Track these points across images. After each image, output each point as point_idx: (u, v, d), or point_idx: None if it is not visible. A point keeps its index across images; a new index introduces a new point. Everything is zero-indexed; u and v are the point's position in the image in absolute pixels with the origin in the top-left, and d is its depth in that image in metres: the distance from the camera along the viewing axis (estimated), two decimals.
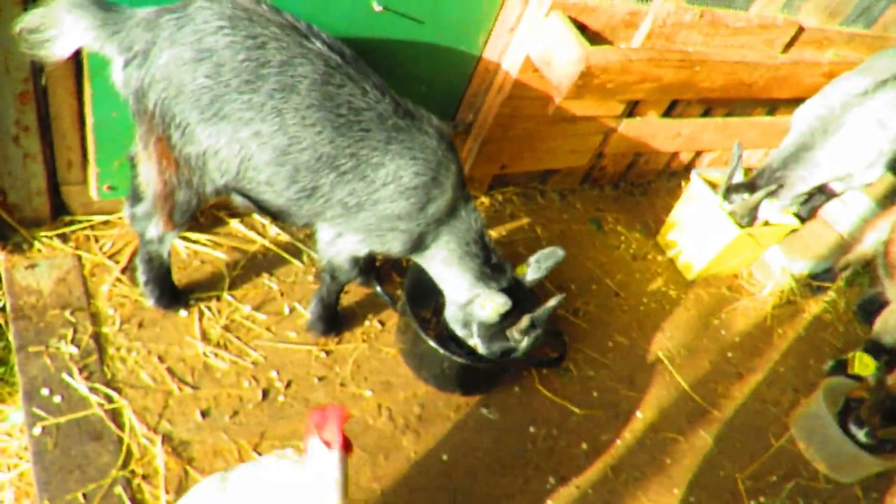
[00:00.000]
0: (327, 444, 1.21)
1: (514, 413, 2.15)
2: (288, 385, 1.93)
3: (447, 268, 1.93)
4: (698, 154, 3.41)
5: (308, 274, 2.23)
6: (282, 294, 2.15)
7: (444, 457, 1.95)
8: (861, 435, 2.25)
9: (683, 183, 3.33)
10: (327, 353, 2.06)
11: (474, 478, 1.94)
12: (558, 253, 1.98)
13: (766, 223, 2.79)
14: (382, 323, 2.21)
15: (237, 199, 1.75)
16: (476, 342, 1.98)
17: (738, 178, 2.74)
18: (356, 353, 2.09)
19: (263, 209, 1.75)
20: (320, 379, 1.98)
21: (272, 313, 2.08)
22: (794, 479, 2.34)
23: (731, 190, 2.73)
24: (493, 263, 1.93)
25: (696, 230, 2.84)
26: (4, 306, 1.80)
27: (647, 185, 3.34)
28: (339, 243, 1.82)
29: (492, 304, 1.85)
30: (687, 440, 2.31)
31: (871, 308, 2.93)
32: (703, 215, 2.79)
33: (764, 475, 2.32)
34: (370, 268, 2.20)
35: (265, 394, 1.88)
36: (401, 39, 2.05)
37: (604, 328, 2.55)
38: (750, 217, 2.70)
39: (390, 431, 1.95)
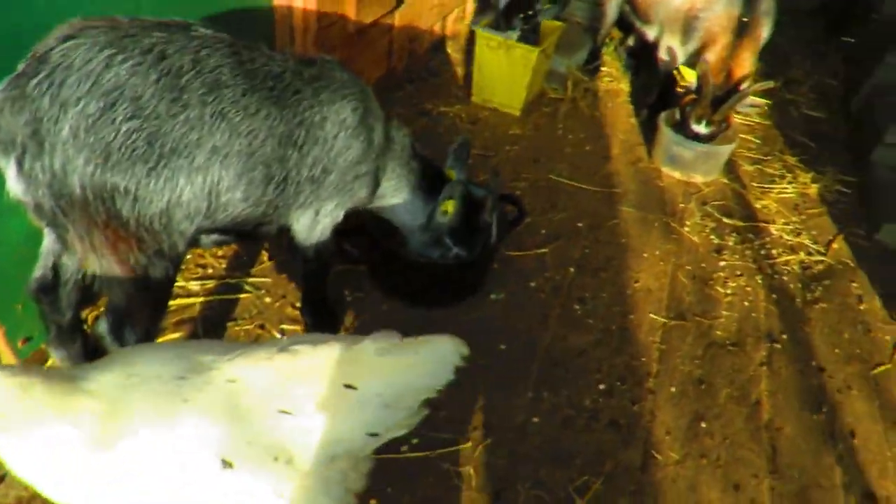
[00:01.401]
0: None
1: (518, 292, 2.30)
2: None
3: (400, 196, 1.93)
4: (462, 17, 3.64)
5: (261, 298, 2.04)
6: (262, 327, 1.95)
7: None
8: (703, 128, 2.81)
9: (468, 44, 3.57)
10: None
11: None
12: (464, 140, 2.09)
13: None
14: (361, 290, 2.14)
15: (207, 240, 1.52)
16: (457, 250, 2.04)
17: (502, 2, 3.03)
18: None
19: (240, 233, 1.55)
20: None
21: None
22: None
23: (508, 17, 3.01)
24: (432, 171, 1.98)
25: (502, 70, 3.11)
26: None
27: (426, 66, 3.51)
28: (320, 220, 1.70)
29: (450, 200, 1.91)
30: (615, 219, 2.68)
31: (632, 52, 3.55)
32: (501, 54, 3.05)
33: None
34: None
35: None
36: (186, 11, 1.84)
37: (509, 185, 2.75)
38: (536, 33, 3.03)
39: None
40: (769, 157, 3.24)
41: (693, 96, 2.84)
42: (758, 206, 2.89)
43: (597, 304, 2.27)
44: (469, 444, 1.76)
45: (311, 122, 1.54)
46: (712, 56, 2.73)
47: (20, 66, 1.19)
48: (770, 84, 2.90)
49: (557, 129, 3.20)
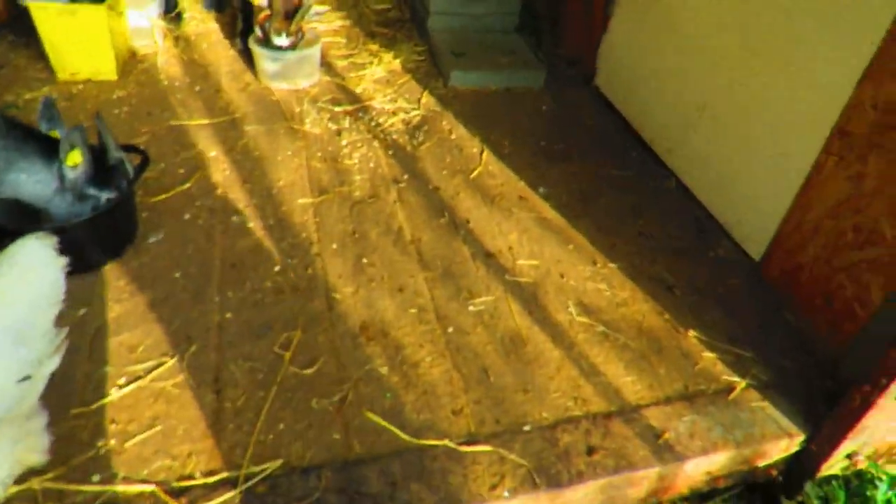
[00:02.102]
0: None
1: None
2: None
3: (15, 170, 1.90)
4: None
5: None
6: None
7: None
8: (283, 40, 3.16)
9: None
10: None
11: None
12: (46, 99, 2.09)
13: None
14: None
15: None
16: (106, 194, 2.08)
17: None
18: None
19: None
20: None
21: None
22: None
23: None
24: (38, 137, 1.97)
25: (76, 38, 3.01)
26: None
27: None
28: None
29: (73, 150, 1.96)
30: (244, 139, 2.93)
31: None
32: (68, 21, 2.95)
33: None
34: None
35: None
36: None
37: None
38: None
39: None
40: (356, 51, 3.75)
41: (267, 13, 3.14)
42: (358, 90, 3.38)
43: (252, 210, 2.52)
44: (174, 358, 1.92)
45: None
46: None
47: None
48: None
49: (162, 81, 3.25)
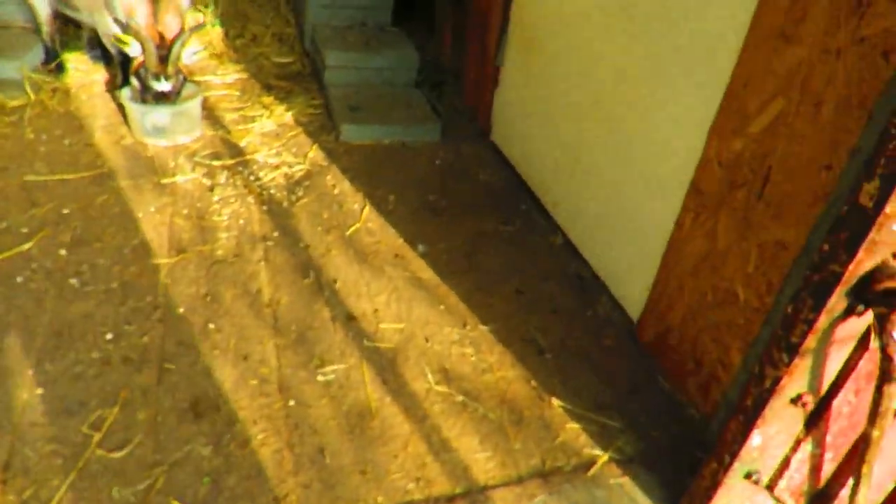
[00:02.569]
0: None
1: None
2: None
3: None
4: None
5: None
6: None
7: None
8: (163, 84, 3.02)
9: None
10: None
11: None
12: None
13: None
14: None
15: None
16: None
17: None
18: None
19: None
20: None
21: None
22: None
23: None
24: None
25: None
26: None
27: None
28: None
29: None
30: (106, 194, 2.75)
31: (93, 43, 3.57)
32: None
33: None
34: None
35: None
36: None
37: None
38: None
39: None
40: (249, 104, 3.64)
41: (141, 60, 3.01)
42: (242, 144, 3.25)
43: (95, 272, 2.32)
44: None
45: None
46: (140, 20, 2.91)
47: None
48: (200, 21, 3.26)
49: (27, 135, 3.06)
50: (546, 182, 3.03)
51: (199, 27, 3.21)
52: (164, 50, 2.96)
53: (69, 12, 3.26)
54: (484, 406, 2.03)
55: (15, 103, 3.26)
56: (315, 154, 3.27)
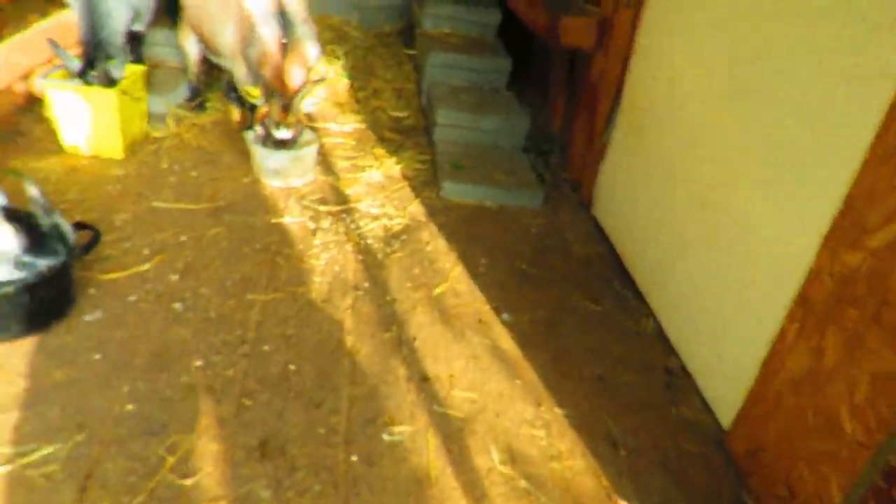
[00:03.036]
0: None
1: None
2: None
3: None
4: (28, 76, 3.59)
5: None
6: None
7: None
8: (284, 133, 3.24)
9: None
10: None
11: None
12: None
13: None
14: None
15: None
16: (43, 261, 2.10)
17: (75, 65, 3.14)
18: None
19: None
20: None
21: None
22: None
23: (82, 75, 3.13)
24: None
25: (86, 118, 3.19)
26: None
27: (13, 127, 3.42)
28: None
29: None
30: (220, 227, 2.95)
31: (231, 87, 3.90)
32: (80, 103, 3.14)
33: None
34: None
35: None
36: None
37: (100, 218, 2.83)
38: (107, 80, 3.18)
39: None
40: (361, 153, 3.82)
41: (265, 110, 3.25)
42: (349, 192, 3.41)
43: (197, 301, 2.48)
44: (55, 446, 1.83)
45: None
46: (266, 75, 3.17)
47: None
48: (322, 78, 3.47)
49: (162, 164, 3.37)
50: (644, 264, 2.94)
51: (320, 81, 3.43)
52: (287, 100, 3.19)
53: (213, 57, 3.59)
54: (547, 496, 1.94)
55: (157, 134, 3.61)
56: (416, 208, 3.36)
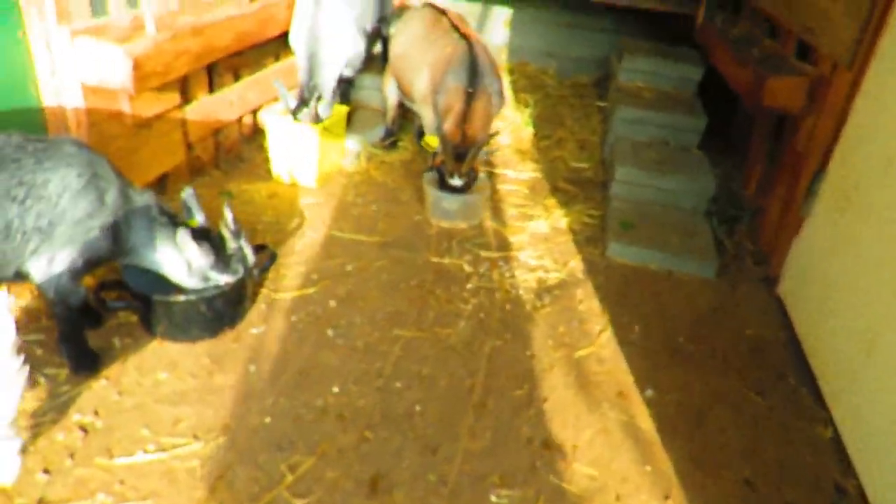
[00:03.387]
0: None
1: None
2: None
3: (154, 248, 2.30)
4: (255, 111, 4.18)
5: (32, 350, 2.32)
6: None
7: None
8: (456, 181, 3.37)
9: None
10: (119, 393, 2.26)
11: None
12: (187, 191, 2.47)
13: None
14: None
15: None
16: (225, 278, 2.42)
17: (291, 102, 3.60)
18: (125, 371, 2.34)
19: None
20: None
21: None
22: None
23: (295, 112, 3.57)
24: (178, 223, 2.38)
25: (292, 151, 3.62)
26: None
27: (238, 153, 3.99)
28: (55, 266, 2.04)
29: (191, 244, 2.30)
30: (383, 260, 3.14)
31: (421, 131, 4.17)
32: (289, 136, 3.58)
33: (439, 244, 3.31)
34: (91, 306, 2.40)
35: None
36: None
37: (284, 239, 3.18)
38: (316, 118, 3.58)
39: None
40: (532, 202, 3.83)
41: (442, 156, 3.41)
42: (512, 240, 3.43)
43: (349, 329, 2.66)
44: (201, 444, 2.06)
45: (33, 183, 1.93)
46: (448, 123, 3.33)
47: None
48: (496, 132, 3.54)
49: (349, 196, 3.69)
50: (831, 359, 2.54)
51: (495, 135, 3.52)
52: (463, 150, 3.31)
53: (407, 102, 3.88)
54: None
55: (350, 169, 3.97)
56: (576, 264, 3.27)
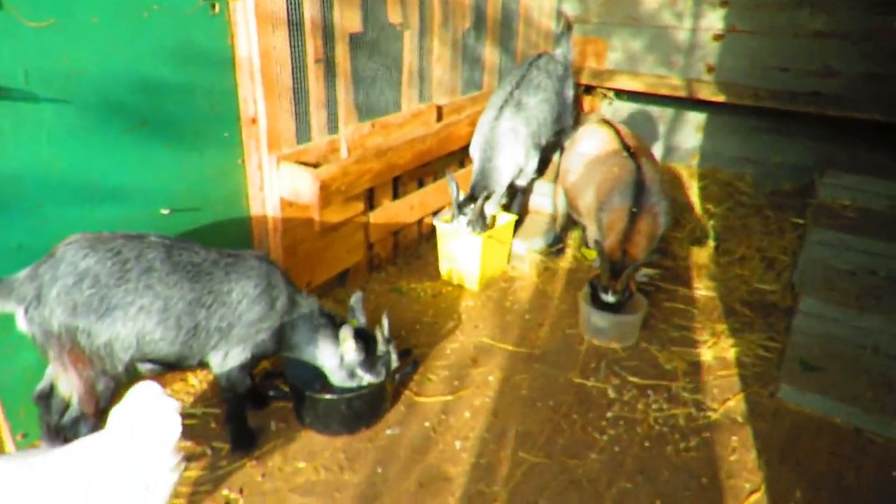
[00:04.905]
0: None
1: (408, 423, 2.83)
2: None
3: (313, 344, 2.62)
4: (435, 213, 4.54)
5: (208, 423, 2.74)
6: (198, 443, 2.63)
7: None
8: (609, 297, 3.29)
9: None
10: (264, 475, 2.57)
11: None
12: (357, 296, 2.78)
13: (494, 219, 3.92)
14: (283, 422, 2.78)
15: (144, 368, 2.30)
16: (369, 377, 2.66)
17: (459, 196, 3.85)
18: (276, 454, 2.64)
19: (166, 363, 2.32)
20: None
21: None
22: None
23: (460, 208, 3.82)
24: (337, 323, 2.69)
25: (459, 254, 3.86)
26: None
27: (414, 251, 4.35)
28: (229, 360, 2.43)
29: (350, 340, 2.57)
30: (526, 374, 3.16)
31: (586, 242, 4.16)
32: (456, 240, 3.83)
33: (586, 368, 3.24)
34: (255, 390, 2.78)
35: None
36: (188, 230, 2.81)
37: (438, 341, 3.36)
38: (481, 221, 3.79)
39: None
40: (699, 325, 3.58)
41: (597, 271, 3.38)
42: (667, 367, 3.23)
43: (477, 443, 2.71)
44: None
45: (220, 291, 2.34)
46: (608, 240, 3.31)
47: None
48: (654, 258, 3.39)
49: (507, 302, 3.80)
50: None
51: (658, 255, 3.40)
52: (620, 267, 3.25)
53: (574, 214, 3.93)
54: None
55: (513, 274, 4.10)
56: (735, 405, 2.97)
